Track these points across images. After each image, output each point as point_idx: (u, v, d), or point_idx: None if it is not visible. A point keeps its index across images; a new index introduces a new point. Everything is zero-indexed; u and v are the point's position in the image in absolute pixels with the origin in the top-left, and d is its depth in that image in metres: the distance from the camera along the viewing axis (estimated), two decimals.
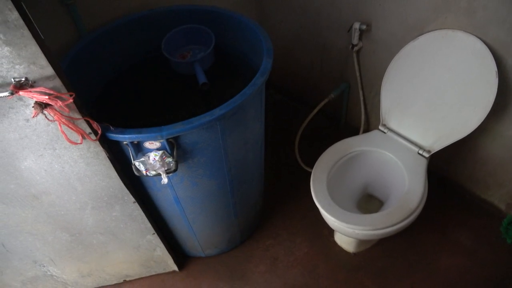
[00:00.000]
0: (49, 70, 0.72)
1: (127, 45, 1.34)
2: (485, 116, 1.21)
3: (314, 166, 1.36)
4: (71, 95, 0.75)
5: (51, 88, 0.74)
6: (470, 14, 1.20)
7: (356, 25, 1.52)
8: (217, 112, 0.94)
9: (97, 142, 0.90)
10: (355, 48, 1.59)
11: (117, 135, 0.89)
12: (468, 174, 1.63)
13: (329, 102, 1.78)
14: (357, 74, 1.68)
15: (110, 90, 1.30)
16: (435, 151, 1.35)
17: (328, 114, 2.00)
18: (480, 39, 1.19)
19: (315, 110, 1.78)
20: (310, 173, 1.35)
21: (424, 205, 1.27)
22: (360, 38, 1.57)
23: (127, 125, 0.91)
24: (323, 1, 1.63)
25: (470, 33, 1.21)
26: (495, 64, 1.16)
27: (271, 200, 1.76)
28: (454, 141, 1.30)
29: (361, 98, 1.76)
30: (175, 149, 0.96)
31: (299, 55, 1.95)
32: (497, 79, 1.17)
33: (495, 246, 1.55)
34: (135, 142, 0.93)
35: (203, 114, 0.93)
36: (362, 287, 1.47)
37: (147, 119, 1.04)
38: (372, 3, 1.45)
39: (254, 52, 1.23)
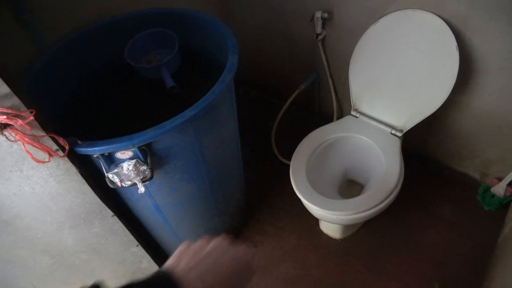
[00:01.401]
0: (4, 89, 0.69)
1: (92, 55, 1.29)
2: (451, 89, 1.25)
3: (292, 158, 1.36)
4: (31, 112, 0.72)
5: (9, 107, 0.71)
6: None
7: (318, 14, 1.52)
8: (188, 113, 0.92)
9: (66, 158, 0.86)
10: (320, 37, 1.60)
11: (86, 149, 0.86)
12: (443, 149, 1.67)
13: (300, 93, 1.78)
14: (325, 62, 1.70)
15: (79, 103, 1.26)
16: (407, 129, 1.38)
17: (301, 105, 2.01)
18: (439, 16, 1.21)
19: (287, 103, 1.78)
20: (290, 166, 1.35)
21: (402, 184, 1.29)
22: (323, 27, 1.58)
23: (98, 137, 0.88)
24: None
25: (429, 11, 1.23)
26: (455, 38, 1.20)
27: (255, 197, 1.75)
28: (424, 117, 1.33)
29: (331, 86, 1.78)
30: (149, 156, 0.94)
31: (268, 49, 1.95)
32: (458, 52, 1.20)
33: (476, 215, 1.60)
34: (106, 154, 0.90)
35: (174, 117, 0.91)
36: (353, 271, 1.49)
37: (118, 129, 1.01)
38: None
39: (221, 49, 1.22)
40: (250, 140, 1.96)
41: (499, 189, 1.55)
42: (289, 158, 1.38)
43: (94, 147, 0.86)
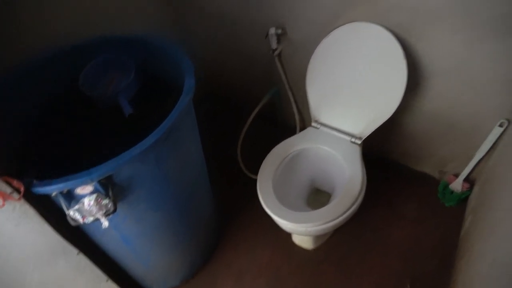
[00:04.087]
0: None
1: (45, 85, 1.24)
2: (402, 95, 1.31)
3: (259, 174, 1.38)
4: None
5: None
6: (372, 5, 1.29)
7: (272, 31, 1.56)
8: (148, 142, 0.91)
9: (23, 200, 0.84)
10: (276, 52, 1.64)
11: (42, 188, 0.83)
12: (401, 151, 1.74)
13: (263, 107, 1.81)
14: (283, 76, 1.74)
15: (33, 137, 1.22)
16: (366, 136, 1.43)
17: (265, 118, 2.03)
18: (384, 26, 1.28)
19: (250, 118, 1.80)
20: (254, 180, 1.36)
21: (366, 188, 1.34)
22: (278, 42, 1.62)
23: (57, 172, 0.85)
24: (238, 12, 1.66)
25: (375, 22, 1.29)
26: (401, 47, 1.26)
27: (226, 215, 1.75)
28: (381, 123, 1.39)
29: (292, 99, 1.82)
30: (110, 188, 0.92)
31: (229, 64, 1.97)
32: (405, 59, 1.26)
33: (438, 212, 1.67)
34: (65, 191, 0.87)
35: (133, 146, 0.90)
36: (327, 278, 1.51)
37: (78, 162, 0.99)
38: (283, 8, 1.51)
39: (178, 71, 1.21)
40: (217, 158, 1.96)
41: (457, 185, 1.63)
42: (257, 172, 1.39)
43: (51, 185, 0.84)
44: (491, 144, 1.43)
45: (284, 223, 1.25)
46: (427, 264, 1.51)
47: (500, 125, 1.36)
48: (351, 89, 1.41)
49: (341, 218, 1.26)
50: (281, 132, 2.02)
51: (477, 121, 1.42)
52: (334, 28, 1.37)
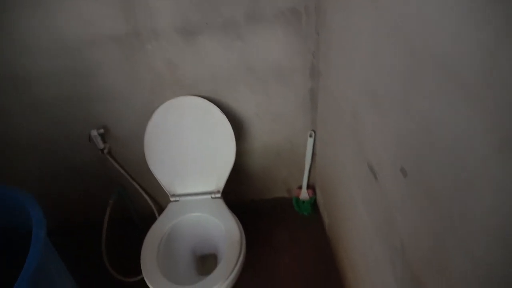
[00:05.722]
0: None
1: None
2: (235, 143, 1.51)
3: (142, 269, 1.31)
4: None
5: None
6: (177, 86, 1.48)
7: (94, 132, 1.56)
8: None
9: None
10: (105, 151, 1.63)
11: None
12: (256, 187, 1.95)
13: (113, 207, 1.74)
14: (122, 171, 1.73)
15: None
16: (222, 188, 1.56)
17: (122, 218, 1.92)
18: (197, 95, 1.48)
19: (105, 225, 1.70)
20: (142, 280, 1.29)
21: (244, 232, 1.44)
22: (104, 141, 1.62)
23: None
24: (51, 128, 1.60)
25: (187, 95, 1.48)
26: (217, 107, 1.47)
27: None
28: (229, 172, 1.55)
29: (139, 188, 1.81)
30: None
31: (62, 183, 1.81)
32: (223, 114, 1.48)
33: (302, 222, 1.92)
34: None
35: None
36: None
37: None
38: (99, 110, 1.55)
39: (18, 213, 1.08)
40: (89, 280, 1.74)
41: (304, 194, 1.93)
42: (140, 272, 1.32)
43: None
44: (311, 152, 1.78)
45: None
46: (317, 266, 1.71)
47: (310, 135, 1.72)
48: (193, 155, 1.53)
49: (237, 269, 1.31)
50: (142, 224, 1.97)
51: (294, 140, 1.75)
52: (154, 111, 1.48)
